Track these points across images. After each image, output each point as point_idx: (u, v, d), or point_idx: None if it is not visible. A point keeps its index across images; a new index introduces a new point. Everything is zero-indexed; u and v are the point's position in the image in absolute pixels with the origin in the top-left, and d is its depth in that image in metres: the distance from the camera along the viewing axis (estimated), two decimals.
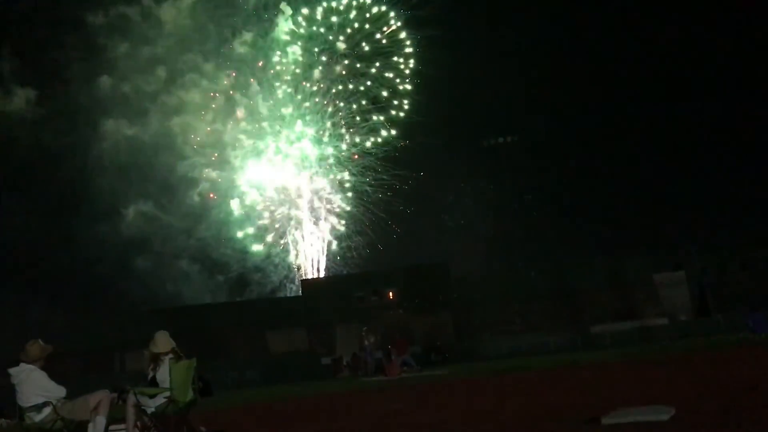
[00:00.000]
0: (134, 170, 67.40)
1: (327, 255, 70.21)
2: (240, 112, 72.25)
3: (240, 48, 72.74)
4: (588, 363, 21.97)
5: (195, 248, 68.09)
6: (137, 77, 70.16)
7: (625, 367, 18.48)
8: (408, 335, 46.09)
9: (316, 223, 70.52)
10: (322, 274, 68.60)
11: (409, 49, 70.66)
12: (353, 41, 71.68)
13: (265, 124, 72.24)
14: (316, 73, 71.97)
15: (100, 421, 8.99)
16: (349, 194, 70.92)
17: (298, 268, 69.38)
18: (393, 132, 70.74)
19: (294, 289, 68.31)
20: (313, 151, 71.74)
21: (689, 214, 60.80)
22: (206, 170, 71.07)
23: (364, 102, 71.42)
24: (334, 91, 72.06)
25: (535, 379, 17.91)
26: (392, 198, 69.33)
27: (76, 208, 61.54)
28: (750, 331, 26.83)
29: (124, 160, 66.54)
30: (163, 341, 9.62)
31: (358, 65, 71.76)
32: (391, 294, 51.56)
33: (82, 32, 67.32)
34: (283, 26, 71.86)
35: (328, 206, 71.02)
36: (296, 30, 71.77)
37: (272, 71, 72.38)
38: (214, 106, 72.37)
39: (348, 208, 70.92)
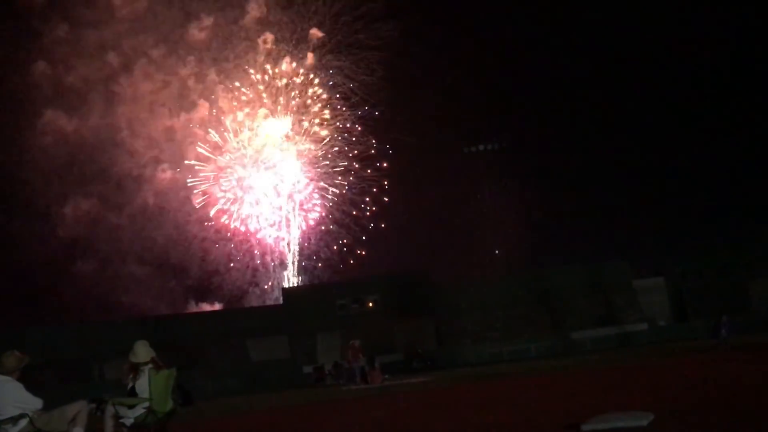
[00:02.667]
0: (74, 166, 61.04)
1: (299, 256, 67.61)
2: (202, 105, 65.93)
3: (200, 34, 66.07)
4: (568, 369, 22.07)
5: (147, 251, 63.05)
6: (79, 64, 63.01)
7: (605, 372, 18.59)
8: (390, 342, 46.12)
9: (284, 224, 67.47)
10: (296, 275, 66.83)
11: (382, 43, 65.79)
12: (329, 29, 66.80)
13: (226, 118, 66.37)
14: (286, 64, 66.66)
15: None
16: (325, 194, 67.88)
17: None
18: (364, 128, 67.30)
19: (259, 294, 65.99)
20: (281, 147, 67.21)
21: (668, 221, 61.45)
22: (161, 167, 65.26)
23: (337, 96, 67.43)
24: (304, 83, 67.05)
25: (515, 385, 17.95)
26: (371, 202, 68.25)
27: (6, 206, 56.68)
28: (720, 338, 26.94)
29: (62, 154, 60.18)
30: (142, 351, 9.53)
31: (331, 57, 67.01)
32: (371, 302, 51.44)
33: (11, 11, 59.92)
34: (255, 12, 65.94)
35: (302, 207, 68.22)
36: (267, 17, 65.81)
37: (236, 60, 65.83)
38: (167, 98, 65.86)
39: (322, 212, 68.16)
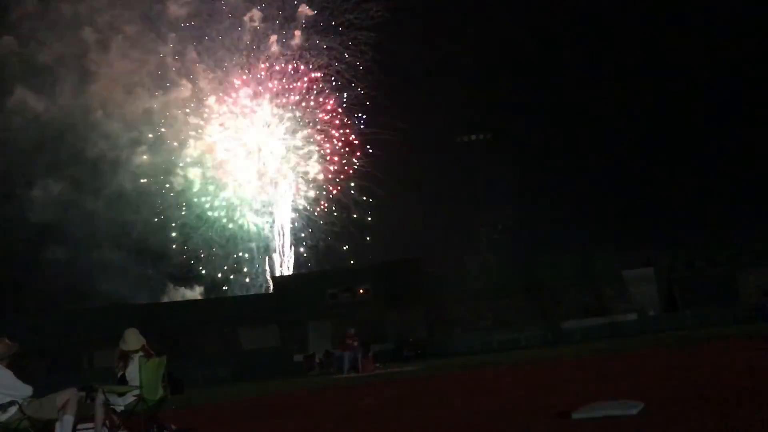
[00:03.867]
0: (45, 146, 57.85)
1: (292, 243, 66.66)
2: (184, 86, 63.33)
3: (180, 10, 63.66)
4: (558, 358, 22.17)
5: (124, 237, 60.71)
6: (51, 40, 59.89)
7: (595, 362, 18.68)
8: (381, 331, 46.18)
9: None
10: (290, 263, 66.23)
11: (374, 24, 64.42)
12: (318, 7, 64.94)
13: (209, 100, 64.45)
14: (273, 43, 64.62)
15: (68, 420, 8.84)
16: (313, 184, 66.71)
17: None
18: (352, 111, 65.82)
19: (242, 283, 64.76)
20: (269, 136, 65.64)
21: (658, 210, 61.70)
22: (138, 149, 62.79)
23: (322, 77, 65.34)
24: (293, 66, 65.34)
25: (506, 374, 18.02)
26: (362, 189, 67.49)
27: None
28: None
29: (31, 134, 57.20)
30: (133, 339, 9.51)
31: (320, 39, 65.03)
32: (362, 290, 51.50)
33: None
34: None
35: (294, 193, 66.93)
36: None
37: (219, 38, 63.65)
38: (144, 78, 63.32)
39: (312, 195, 66.92)
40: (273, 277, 61.01)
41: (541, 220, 66.75)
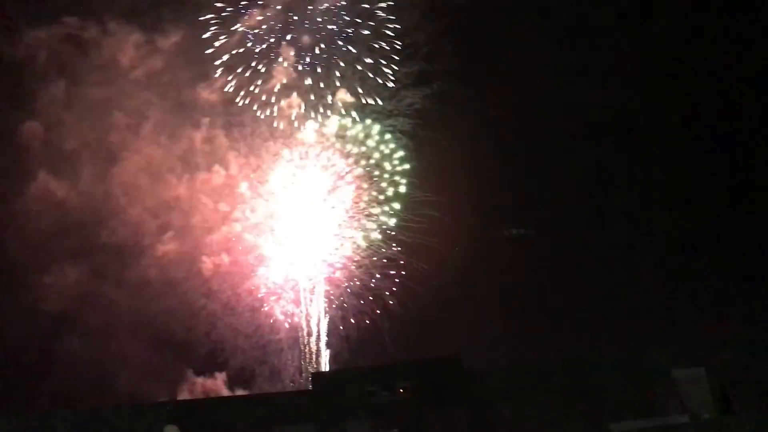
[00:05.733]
0: (65, 233, 56.90)
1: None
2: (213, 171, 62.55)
3: (212, 95, 63.80)
4: None
5: (145, 327, 58.88)
6: (76, 125, 59.58)
7: None
8: None
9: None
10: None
11: None
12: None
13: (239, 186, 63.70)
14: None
15: None
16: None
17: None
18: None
19: (267, 376, 63.00)
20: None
21: (708, 307, 59.95)
22: (166, 236, 61.65)
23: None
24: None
25: None
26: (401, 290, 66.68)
27: None
28: None
29: (51, 220, 56.65)
30: None
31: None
32: (402, 389, 50.20)
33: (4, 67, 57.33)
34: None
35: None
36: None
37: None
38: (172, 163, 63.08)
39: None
40: (312, 373, 59.73)
41: (587, 317, 65.28)
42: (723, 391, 48.22)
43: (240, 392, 61.74)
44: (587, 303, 65.94)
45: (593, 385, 47.91)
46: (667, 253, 66.75)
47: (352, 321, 66.19)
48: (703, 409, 48.04)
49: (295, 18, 66.61)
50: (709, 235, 66.32)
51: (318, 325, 65.92)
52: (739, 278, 61.96)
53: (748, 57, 63.99)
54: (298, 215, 66.11)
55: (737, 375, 47.88)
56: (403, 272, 66.74)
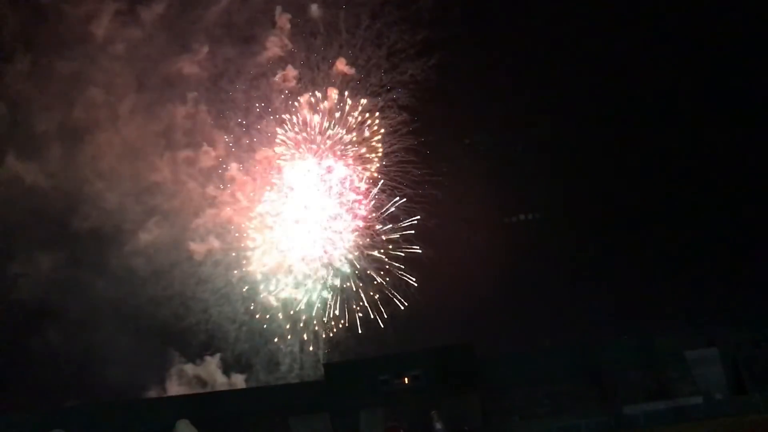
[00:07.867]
0: (38, 219, 54.03)
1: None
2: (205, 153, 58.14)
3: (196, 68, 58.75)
4: None
5: (130, 317, 55.10)
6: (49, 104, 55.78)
7: None
8: (435, 419, 45.13)
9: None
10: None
11: None
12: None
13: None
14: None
15: None
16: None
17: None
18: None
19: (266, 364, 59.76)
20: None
21: (720, 288, 59.69)
22: (151, 220, 57.75)
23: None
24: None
25: None
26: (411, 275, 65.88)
27: None
28: None
29: (21, 207, 53.60)
30: (185, 431, 9.38)
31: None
32: (414, 377, 50.46)
33: None
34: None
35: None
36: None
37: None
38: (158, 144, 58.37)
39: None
40: (324, 364, 59.47)
41: (598, 301, 65.12)
42: (736, 372, 48.25)
43: (235, 379, 59.98)
44: (599, 287, 65.74)
45: (606, 368, 48.02)
46: (678, 236, 66.41)
47: (357, 308, 65.14)
48: (717, 389, 48.13)
49: None
50: (721, 217, 66.03)
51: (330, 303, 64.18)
52: (750, 259, 61.70)
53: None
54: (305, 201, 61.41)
55: (750, 355, 47.89)
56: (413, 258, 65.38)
